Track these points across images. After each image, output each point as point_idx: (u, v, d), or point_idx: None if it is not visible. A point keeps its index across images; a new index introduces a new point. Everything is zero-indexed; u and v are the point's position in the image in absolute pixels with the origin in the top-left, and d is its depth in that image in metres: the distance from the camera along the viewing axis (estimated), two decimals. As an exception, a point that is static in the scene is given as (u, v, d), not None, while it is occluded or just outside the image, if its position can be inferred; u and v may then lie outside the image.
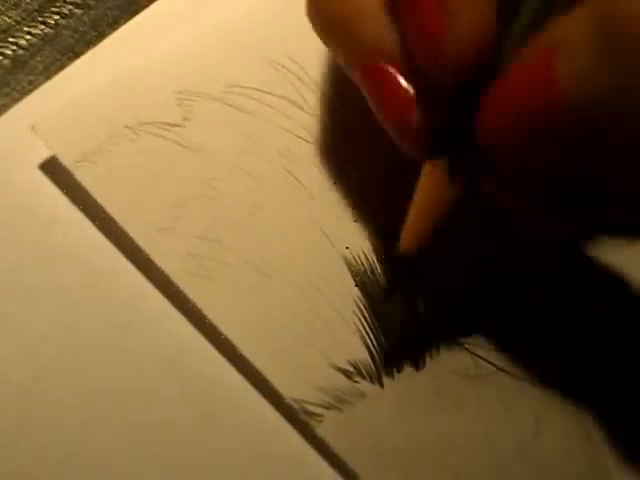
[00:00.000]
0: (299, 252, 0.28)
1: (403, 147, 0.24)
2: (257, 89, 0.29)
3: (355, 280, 0.27)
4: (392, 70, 0.24)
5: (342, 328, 0.27)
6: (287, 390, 0.26)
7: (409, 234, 0.25)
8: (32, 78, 0.30)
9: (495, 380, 0.27)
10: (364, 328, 0.27)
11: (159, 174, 0.28)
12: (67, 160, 0.27)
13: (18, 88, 0.30)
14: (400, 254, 0.25)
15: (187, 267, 0.27)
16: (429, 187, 0.24)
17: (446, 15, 0.22)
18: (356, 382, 0.26)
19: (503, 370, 0.27)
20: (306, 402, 0.26)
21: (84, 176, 0.27)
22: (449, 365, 0.27)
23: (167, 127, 0.28)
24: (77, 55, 0.30)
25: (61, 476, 0.24)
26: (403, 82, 0.24)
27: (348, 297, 0.27)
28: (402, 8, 0.23)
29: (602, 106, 0.20)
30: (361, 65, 0.24)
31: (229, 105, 0.28)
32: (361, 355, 0.26)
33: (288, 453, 0.26)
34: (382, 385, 0.26)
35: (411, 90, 0.24)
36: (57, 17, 0.31)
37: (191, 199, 0.28)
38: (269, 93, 0.29)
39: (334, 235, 0.28)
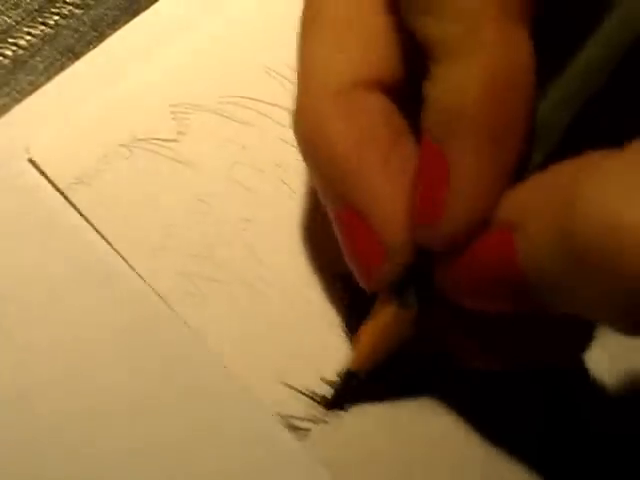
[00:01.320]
0: (293, 265, 0.28)
1: (365, 288, 0.25)
2: (252, 98, 0.29)
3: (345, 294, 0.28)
4: (365, 220, 0.23)
5: (333, 342, 0.27)
6: (274, 405, 0.26)
7: (360, 359, 0.26)
8: (32, 78, 0.30)
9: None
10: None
11: (152, 192, 0.28)
12: (61, 184, 0.28)
13: (18, 88, 0.30)
14: (350, 371, 0.26)
15: (179, 286, 0.27)
16: (385, 320, 0.25)
17: (446, 192, 0.21)
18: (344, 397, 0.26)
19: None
20: (293, 417, 0.26)
21: (77, 199, 0.28)
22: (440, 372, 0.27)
23: (161, 143, 0.29)
24: (77, 55, 0.30)
25: (60, 475, 0.25)
26: (373, 235, 0.23)
27: (340, 311, 0.27)
28: (417, 179, 0.23)
29: (551, 285, 0.20)
30: (337, 209, 0.24)
31: (224, 116, 0.28)
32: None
33: (286, 458, 0.26)
34: (369, 398, 0.26)
35: (380, 245, 0.23)
36: (57, 17, 0.31)
37: (184, 216, 0.28)
38: (265, 102, 0.29)
39: (329, 249, 0.28)
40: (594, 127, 0.22)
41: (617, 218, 0.18)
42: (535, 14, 0.21)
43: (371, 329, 0.25)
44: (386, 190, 0.23)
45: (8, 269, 0.27)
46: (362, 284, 0.25)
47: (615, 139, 0.19)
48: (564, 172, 0.20)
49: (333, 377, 0.27)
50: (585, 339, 0.26)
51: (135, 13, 0.31)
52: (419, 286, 0.24)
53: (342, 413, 0.26)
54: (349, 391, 0.26)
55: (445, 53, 0.21)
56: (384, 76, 0.24)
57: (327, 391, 0.26)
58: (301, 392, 0.26)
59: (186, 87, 0.30)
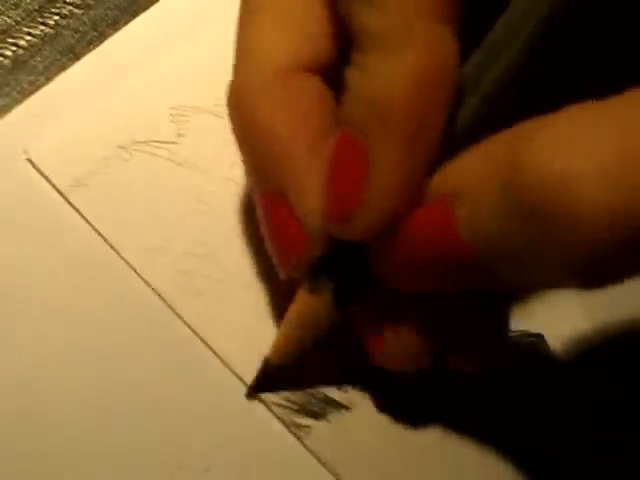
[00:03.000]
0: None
1: (280, 274, 0.24)
2: None
3: None
4: (289, 206, 0.23)
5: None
6: (274, 403, 0.26)
7: (278, 349, 0.25)
8: (32, 78, 0.30)
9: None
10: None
11: (151, 193, 0.28)
12: (61, 186, 0.28)
13: (18, 88, 0.30)
14: (269, 361, 0.26)
15: (178, 285, 0.27)
16: (303, 309, 0.24)
17: (363, 187, 0.21)
18: (345, 392, 0.27)
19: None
20: (293, 415, 0.26)
21: (77, 200, 0.28)
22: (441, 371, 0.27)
23: (161, 145, 0.29)
24: (77, 55, 0.30)
25: (61, 476, 0.25)
26: (294, 218, 0.23)
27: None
28: (328, 166, 0.22)
29: (503, 254, 0.20)
30: (264, 193, 0.24)
31: (223, 118, 0.28)
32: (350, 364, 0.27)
33: (286, 458, 0.26)
34: (371, 394, 0.27)
35: (301, 229, 0.23)
36: (57, 17, 0.31)
37: (183, 216, 0.28)
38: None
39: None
40: (520, 103, 0.22)
41: (565, 168, 0.18)
42: (463, 14, 0.21)
43: (288, 319, 0.25)
44: (311, 177, 0.23)
45: (8, 269, 0.27)
46: (278, 270, 0.24)
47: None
48: (501, 138, 0.20)
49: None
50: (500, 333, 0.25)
51: (135, 13, 0.31)
52: (333, 271, 0.24)
53: (343, 411, 0.26)
54: (270, 380, 0.26)
55: (375, 44, 0.21)
56: (321, 60, 0.24)
57: (327, 388, 0.27)
58: (302, 389, 0.26)
59: (185, 89, 0.30)
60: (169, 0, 0.31)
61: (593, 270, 0.19)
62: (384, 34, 0.21)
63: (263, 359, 0.26)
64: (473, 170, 0.20)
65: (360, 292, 0.24)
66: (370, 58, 0.21)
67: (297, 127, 0.23)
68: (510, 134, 0.20)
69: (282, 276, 0.24)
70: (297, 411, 0.26)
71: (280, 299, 0.27)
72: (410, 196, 0.21)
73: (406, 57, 0.20)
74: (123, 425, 0.26)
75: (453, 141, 0.21)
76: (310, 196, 0.23)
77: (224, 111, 0.29)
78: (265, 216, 0.24)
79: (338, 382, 0.27)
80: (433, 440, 0.27)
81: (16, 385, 0.26)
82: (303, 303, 0.24)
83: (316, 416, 0.26)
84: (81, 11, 0.31)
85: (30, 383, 0.26)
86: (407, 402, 0.27)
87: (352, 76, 0.21)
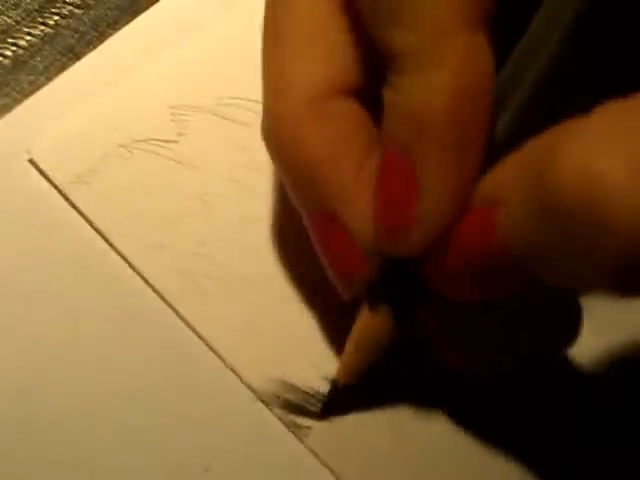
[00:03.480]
0: (293, 264, 0.28)
1: (342, 294, 0.24)
2: (252, 100, 0.29)
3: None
4: (342, 226, 0.23)
5: (334, 340, 0.27)
6: (274, 404, 0.26)
7: (346, 369, 0.25)
8: (32, 78, 0.30)
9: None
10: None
11: (152, 192, 0.28)
12: (62, 183, 0.28)
13: (18, 88, 0.30)
14: (337, 382, 0.26)
15: (179, 285, 0.27)
16: (366, 328, 0.25)
17: (414, 205, 0.21)
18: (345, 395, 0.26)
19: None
20: (294, 415, 0.26)
21: (78, 198, 0.28)
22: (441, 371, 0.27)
23: (161, 144, 0.29)
24: (77, 55, 0.30)
25: (60, 477, 0.25)
26: (350, 239, 0.23)
27: (342, 309, 0.27)
28: (377, 187, 0.22)
29: (537, 257, 0.20)
30: (313, 215, 0.24)
31: (223, 117, 0.28)
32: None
33: (287, 458, 0.26)
34: (372, 396, 0.26)
35: (358, 249, 0.23)
36: (57, 17, 0.31)
37: (184, 215, 0.28)
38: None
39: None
40: (555, 105, 0.22)
41: (598, 173, 0.18)
42: (493, 16, 0.21)
43: (354, 340, 0.25)
44: (361, 194, 0.23)
45: (8, 268, 0.27)
46: (340, 291, 0.24)
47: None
48: (537, 143, 0.20)
49: (332, 374, 0.26)
50: (569, 333, 0.25)
51: (135, 13, 0.31)
52: (398, 293, 0.24)
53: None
54: (339, 400, 0.26)
55: (411, 64, 0.21)
56: (353, 82, 0.24)
57: (326, 388, 0.26)
58: (302, 390, 0.26)
59: (186, 89, 0.30)
60: (169, 0, 0.31)
61: (626, 275, 0.19)
62: (418, 52, 0.21)
63: (331, 381, 0.26)
64: (510, 175, 0.20)
65: (418, 306, 0.24)
66: (406, 77, 0.21)
67: (340, 151, 0.23)
68: (543, 137, 0.20)
69: (345, 297, 0.25)
70: (297, 412, 0.26)
71: (280, 300, 0.27)
72: (460, 207, 0.21)
73: (443, 71, 0.21)
74: (123, 425, 0.26)
75: (494, 149, 0.22)
76: (362, 218, 0.23)
77: (224, 110, 0.29)
78: (319, 239, 0.24)
79: (402, 399, 0.27)
80: (434, 441, 0.26)
81: (15, 385, 0.26)
82: (364, 322, 0.25)
83: (317, 416, 0.26)
84: (81, 11, 0.31)
85: (29, 382, 0.26)
86: (408, 399, 0.27)
87: (390, 97, 0.22)
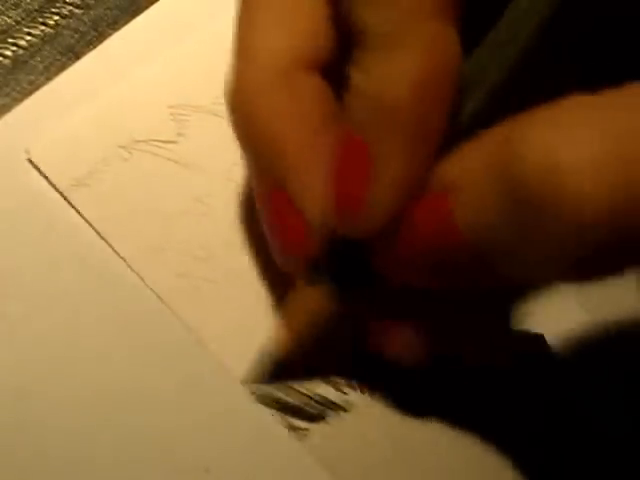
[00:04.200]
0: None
1: (281, 267, 0.24)
2: None
3: None
4: (289, 202, 0.23)
5: (332, 342, 0.27)
6: (273, 405, 0.26)
7: (285, 341, 0.25)
8: (32, 78, 0.30)
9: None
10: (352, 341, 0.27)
11: (152, 193, 0.28)
12: (61, 185, 0.28)
13: (18, 88, 0.30)
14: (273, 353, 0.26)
15: (178, 286, 0.27)
16: (301, 298, 0.25)
17: (367, 184, 0.21)
18: (344, 393, 0.26)
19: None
20: (292, 417, 0.26)
21: (77, 200, 0.28)
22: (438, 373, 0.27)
23: (161, 144, 0.29)
24: (77, 55, 0.30)
25: (60, 476, 0.25)
26: (297, 214, 0.23)
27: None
28: (332, 165, 0.22)
29: (498, 245, 0.20)
30: (265, 187, 0.24)
31: (224, 117, 0.28)
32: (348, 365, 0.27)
33: (286, 458, 0.26)
34: (370, 395, 0.27)
35: (304, 224, 0.23)
36: (57, 17, 0.31)
37: (182, 216, 0.28)
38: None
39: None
40: (520, 95, 0.21)
41: (555, 158, 0.18)
42: (464, 12, 0.21)
43: (286, 310, 0.25)
44: (313, 174, 0.23)
45: (8, 269, 0.27)
46: (279, 264, 0.24)
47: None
48: (496, 131, 0.20)
49: (331, 376, 0.27)
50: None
51: (135, 13, 0.31)
52: (332, 266, 0.24)
53: (341, 413, 0.26)
54: (267, 371, 0.26)
55: (377, 43, 0.21)
56: (321, 57, 0.24)
57: (326, 391, 0.27)
58: (299, 392, 0.26)
59: (185, 88, 0.30)
60: (169, 0, 0.31)
61: (585, 262, 0.19)
62: (386, 33, 0.21)
63: (263, 350, 0.26)
64: (469, 161, 0.20)
65: (360, 287, 0.24)
66: (372, 57, 0.21)
67: (297, 124, 0.23)
68: (505, 125, 0.20)
69: (283, 269, 0.25)
70: (295, 414, 0.26)
71: (279, 301, 0.27)
72: (413, 192, 0.21)
73: (408, 57, 0.21)
74: (122, 425, 0.26)
75: (454, 137, 0.22)
76: (311, 192, 0.23)
77: (224, 110, 0.29)
78: (266, 211, 0.24)
79: (399, 401, 0.27)
80: (432, 441, 0.26)
81: (15, 385, 0.26)
82: (302, 296, 0.25)
83: (314, 418, 0.26)
84: (81, 11, 0.31)
85: (29, 383, 0.26)
86: (406, 400, 0.27)
87: (354, 76, 0.22)
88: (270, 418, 0.26)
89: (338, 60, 0.23)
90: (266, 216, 0.24)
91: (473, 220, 0.20)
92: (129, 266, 0.27)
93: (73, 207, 0.28)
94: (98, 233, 0.28)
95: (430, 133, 0.21)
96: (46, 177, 0.28)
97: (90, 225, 0.28)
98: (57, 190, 0.28)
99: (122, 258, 0.27)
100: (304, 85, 0.24)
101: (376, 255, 0.23)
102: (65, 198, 0.28)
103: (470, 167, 0.20)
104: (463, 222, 0.20)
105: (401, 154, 0.21)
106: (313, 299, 0.24)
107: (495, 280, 0.21)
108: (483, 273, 0.21)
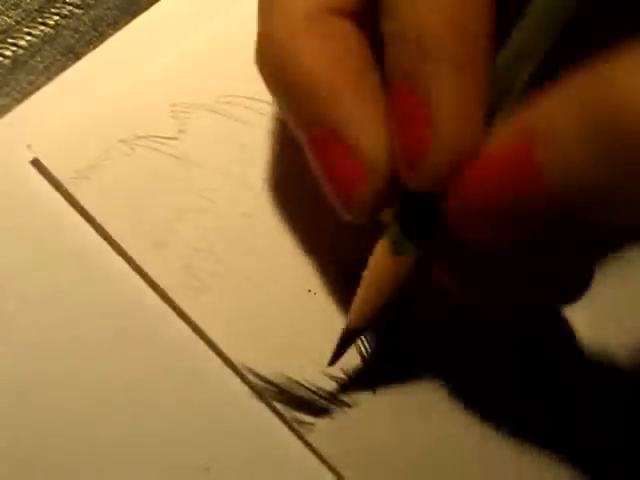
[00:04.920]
0: (293, 260, 0.28)
1: (345, 215, 0.24)
2: (252, 98, 0.29)
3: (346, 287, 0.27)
4: (343, 142, 0.22)
5: (334, 335, 0.26)
6: (276, 400, 0.26)
7: (359, 311, 0.24)
8: (32, 78, 0.30)
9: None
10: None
11: (154, 188, 0.28)
12: (63, 177, 0.28)
13: (18, 88, 0.30)
14: (350, 328, 0.25)
15: (181, 280, 0.27)
16: (380, 266, 0.24)
17: (429, 128, 0.21)
18: (349, 389, 0.26)
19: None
20: (296, 411, 0.26)
21: (79, 192, 0.28)
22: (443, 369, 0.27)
23: (162, 140, 0.29)
24: (77, 55, 0.30)
25: (60, 476, 0.25)
26: (351, 156, 0.22)
27: (342, 305, 0.27)
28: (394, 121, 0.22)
29: (588, 197, 0.19)
30: (312, 133, 0.23)
31: (224, 115, 0.28)
32: (354, 361, 0.27)
33: (287, 457, 0.26)
34: (374, 391, 0.27)
35: (360, 166, 0.22)
36: (57, 17, 0.31)
37: (185, 211, 0.28)
38: (264, 101, 0.29)
39: (329, 242, 0.28)
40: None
41: None
42: None
43: (366, 282, 0.24)
44: (362, 108, 0.22)
45: (8, 268, 0.27)
46: (342, 212, 0.24)
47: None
48: (582, 73, 0.19)
49: (336, 371, 0.26)
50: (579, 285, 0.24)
51: (135, 13, 0.31)
52: (414, 230, 0.23)
53: (346, 409, 0.26)
54: (347, 349, 0.26)
55: None
56: (352, 4, 0.23)
57: (331, 385, 0.26)
58: (303, 386, 0.26)
59: (186, 86, 0.30)
60: (169, 0, 0.31)
61: None
62: None
63: (344, 329, 0.25)
64: (554, 109, 0.19)
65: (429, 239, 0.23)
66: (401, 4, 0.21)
67: (339, 65, 0.23)
68: (590, 67, 0.19)
69: (346, 217, 0.24)
70: (300, 408, 0.26)
71: (281, 296, 0.27)
72: (476, 133, 0.21)
73: None
74: (123, 424, 0.25)
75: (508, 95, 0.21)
76: (366, 124, 0.22)
77: (224, 108, 0.29)
78: (318, 157, 0.23)
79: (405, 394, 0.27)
80: (436, 437, 0.26)
81: (15, 383, 0.25)
82: (383, 264, 0.24)
83: (319, 413, 0.26)
84: (81, 11, 0.31)
85: (29, 381, 0.26)
86: (411, 396, 0.27)
87: (388, 24, 0.21)
88: (270, 416, 0.26)
89: (368, 13, 0.23)
90: (317, 160, 0.23)
91: (565, 171, 0.18)
92: (130, 259, 0.27)
93: (74, 201, 0.28)
94: (99, 227, 0.28)
95: (479, 69, 0.21)
96: (47, 171, 0.28)
97: (91, 219, 0.28)
98: (58, 184, 0.28)
99: (123, 251, 0.27)
100: (338, 30, 0.23)
101: (450, 210, 0.22)
102: (66, 192, 0.28)
103: (556, 115, 0.19)
104: (552, 174, 0.19)
105: (452, 89, 0.20)
106: (394, 267, 0.23)
107: (577, 236, 0.20)
108: (567, 227, 0.20)
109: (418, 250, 0.23)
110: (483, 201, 0.21)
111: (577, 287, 0.24)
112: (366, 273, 0.24)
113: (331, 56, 0.23)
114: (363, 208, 0.23)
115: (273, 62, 0.23)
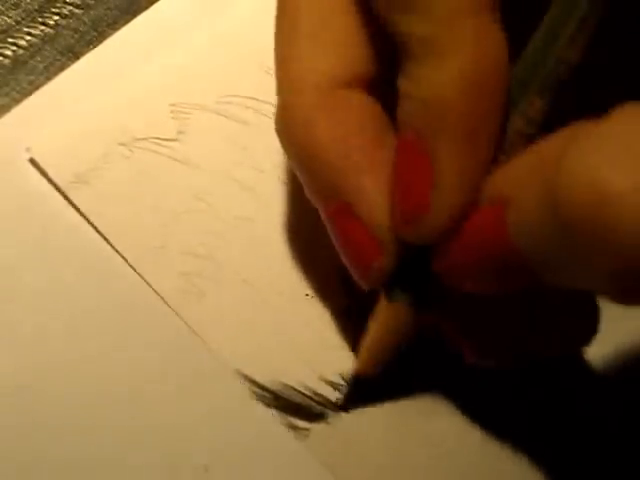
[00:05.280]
0: (292, 264, 0.28)
1: (362, 285, 0.24)
2: (252, 98, 0.29)
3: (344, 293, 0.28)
4: (357, 216, 0.23)
5: (332, 340, 0.27)
6: (273, 405, 0.26)
7: (367, 360, 0.25)
8: (32, 78, 0.30)
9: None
10: (354, 340, 0.27)
11: (153, 191, 0.28)
12: (61, 181, 0.28)
13: (18, 88, 0.30)
14: (358, 375, 0.26)
15: (178, 285, 0.27)
16: (385, 318, 0.25)
17: (431, 188, 0.22)
18: (344, 394, 0.26)
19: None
20: (293, 417, 0.26)
21: (77, 197, 0.28)
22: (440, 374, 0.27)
23: (162, 142, 0.29)
24: (77, 55, 0.30)
25: (60, 475, 0.25)
26: (366, 230, 0.23)
27: (339, 310, 0.27)
28: (393, 174, 0.23)
29: (544, 258, 0.20)
30: (328, 207, 0.24)
31: (224, 116, 0.28)
32: (351, 366, 0.26)
33: (286, 457, 0.26)
34: (371, 397, 0.26)
35: (374, 239, 0.23)
36: (57, 17, 0.31)
37: (183, 214, 0.28)
38: (265, 102, 0.29)
39: (328, 246, 0.28)
40: (575, 99, 0.22)
41: (603, 186, 0.18)
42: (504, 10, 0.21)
43: (373, 331, 0.25)
44: (374, 184, 0.23)
45: (8, 268, 0.27)
46: (360, 282, 0.24)
47: (598, 109, 0.19)
48: (550, 144, 0.20)
49: (332, 376, 0.27)
50: (585, 332, 0.25)
51: (135, 13, 0.31)
52: (414, 282, 0.24)
53: (342, 414, 0.26)
54: (359, 394, 0.26)
55: (424, 50, 0.21)
56: (364, 73, 0.24)
57: (327, 391, 0.27)
58: (300, 392, 0.26)
59: (186, 87, 0.30)
60: (169, 0, 0.31)
61: (628, 283, 0.19)
62: (431, 39, 0.21)
63: (351, 375, 0.26)
64: (522, 173, 0.21)
65: (435, 297, 0.24)
66: (419, 64, 0.21)
67: (353, 140, 0.23)
68: (555, 139, 0.20)
69: (364, 287, 0.25)
70: (296, 413, 0.26)
71: (279, 301, 0.27)
72: (473, 195, 0.22)
73: (455, 58, 0.21)
74: (122, 424, 0.26)
75: (506, 143, 0.22)
76: (376, 205, 0.23)
77: (225, 109, 0.29)
78: (335, 230, 0.24)
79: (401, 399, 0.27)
80: (433, 442, 0.26)
81: (15, 384, 0.26)
82: (384, 313, 0.25)
83: (315, 418, 0.26)
84: (81, 11, 0.31)
85: (29, 382, 0.26)
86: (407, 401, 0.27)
87: (404, 85, 0.22)
88: (270, 417, 0.26)
89: (384, 76, 0.23)
90: (335, 236, 0.24)
91: (524, 234, 0.20)
92: (129, 264, 0.27)
93: (73, 204, 0.28)
94: (98, 230, 0.28)
95: (486, 134, 0.21)
96: (46, 174, 0.28)
97: (90, 222, 0.28)
98: (57, 186, 0.28)
99: (122, 255, 0.27)
100: (352, 102, 0.24)
101: (436, 260, 0.23)
102: (65, 195, 0.28)
103: (521, 181, 0.20)
104: (515, 235, 0.20)
105: (458, 153, 0.21)
106: (393, 315, 0.25)
107: (544, 288, 0.21)
108: (532, 282, 0.21)
109: (410, 298, 0.24)
110: (463, 257, 0.22)
111: (582, 333, 0.25)
112: (370, 322, 0.25)
113: (343, 132, 0.23)
114: (379, 278, 0.24)
115: (289, 137, 0.24)
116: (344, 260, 0.24)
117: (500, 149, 0.22)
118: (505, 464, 0.26)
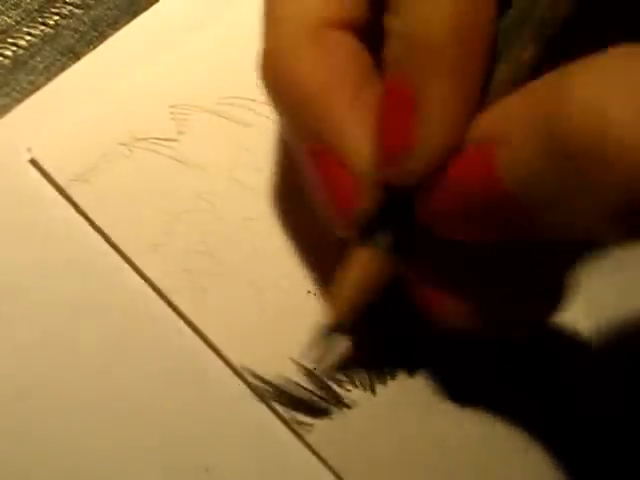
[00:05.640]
0: (293, 262, 0.28)
1: (336, 231, 0.24)
2: (252, 99, 0.29)
3: None
4: (336, 158, 0.23)
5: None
6: (275, 401, 0.26)
7: (338, 309, 0.25)
8: (32, 78, 0.30)
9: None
10: (358, 336, 0.27)
11: (153, 190, 0.28)
12: (62, 180, 0.28)
13: (18, 88, 0.30)
14: (332, 325, 0.25)
15: (180, 282, 0.27)
16: (363, 267, 0.24)
17: (417, 124, 0.21)
18: (348, 390, 0.26)
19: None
20: (295, 412, 0.26)
21: (78, 195, 0.28)
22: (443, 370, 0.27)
23: (161, 142, 0.29)
24: (77, 55, 0.30)
25: (60, 475, 0.25)
26: (346, 172, 0.23)
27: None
28: (378, 112, 0.22)
29: (540, 196, 0.19)
30: (308, 148, 0.24)
31: (224, 117, 0.28)
32: (354, 362, 0.27)
33: (287, 457, 0.26)
34: (374, 392, 0.27)
35: (354, 181, 0.23)
36: (57, 17, 0.31)
37: (185, 213, 0.28)
38: (264, 103, 0.29)
39: (329, 243, 0.28)
40: (565, 47, 0.21)
41: (604, 116, 0.18)
42: None
43: (347, 276, 0.24)
44: (356, 124, 0.23)
45: (8, 269, 0.27)
46: (336, 226, 0.24)
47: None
48: (544, 82, 0.20)
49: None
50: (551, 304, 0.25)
51: (135, 13, 0.31)
52: (394, 226, 0.23)
53: (345, 410, 0.26)
54: (331, 348, 0.26)
55: None
56: (353, 17, 0.24)
57: (328, 385, 0.27)
58: (302, 387, 0.26)
59: (186, 87, 0.30)
60: (169, 0, 0.31)
61: (630, 217, 0.18)
62: None
63: (323, 325, 0.25)
64: (514, 113, 0.20)
65: (413, 245, 0.24)
66: (408, 1, 0.21)
67: (337, 79, 0.23)
68: (551, 76, 0.20)
69: (338, 233, 0.24)
70: (300, 409, 0.26)
71: (280, 298, 0.27)
72: (459, 136, 0.21)
73: None
74: (123, 425, 0.25)
75: (491, 92, 0.22)
76: (358, 146, 0.23)
77: (224, 110, 0.29)
78: (312, 170, 0.24)
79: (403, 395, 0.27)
80: (435, 438, 0.26)
81: (15, 385, 0.25)
82: (358, 261, 0.24)
83: (318, 414, 0.26)
84: (81, 11, 0.31)
85: (29, 382, 0.26)
86: (410, 397, 0.27)
87: (392, 22, 0.21)
88: (270, 417, 0.26)
89: (373, 25, 0.23)
90: (311, 174, 0.24)
91: (517, 173, 0.20)
92: (130, 262, 0.27)
93: (74, 203, 0.28)
94: (99, 230, 0.28)
95: (472, 74, 0.21)
96: (47, 174, 0.28)
97: (90, 221, 0.28)
98: (57, 186, 0.28)
99: (122, 254, 0.27)
100: (337, 43, 0.23)
101: (420, 206, 0.22)
102: (66, 194, 0.28)
103: (515, 118, 0.20)
104: (506, 174, 0.20)
105: (446, 94, 0.21)
106: (369, 262, 0.24)
107: (536, 234, 0.21)
108: (525, 226, 0.20)
109: (390, 243, 0.23)
110: (449, 200, 0.22)
111: (551, 301, 0.25)
112: (346, 269, 0.24)
113: (328, 70, 0.23)
114: (356, 222, 0.23)
115: (272, 77, 0.24)
116: (321, 206, 0.24)
117: (485, 97, 0.21)
118: (508, 460, 0.27)
